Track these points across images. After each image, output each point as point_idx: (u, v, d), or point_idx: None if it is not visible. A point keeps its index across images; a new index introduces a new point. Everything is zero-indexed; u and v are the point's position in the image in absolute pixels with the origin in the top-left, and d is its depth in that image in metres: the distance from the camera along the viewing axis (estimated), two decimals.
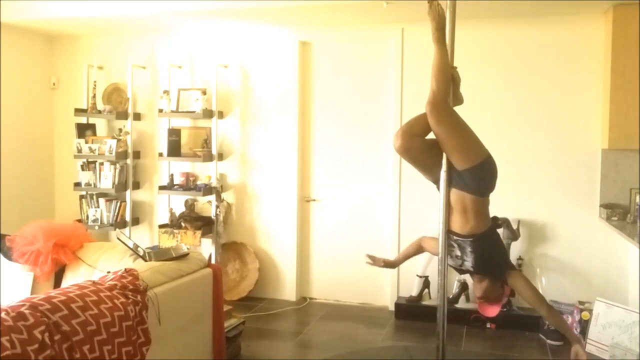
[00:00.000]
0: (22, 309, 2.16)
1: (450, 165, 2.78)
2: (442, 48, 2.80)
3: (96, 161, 5.24)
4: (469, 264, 2.88)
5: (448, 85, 2.79)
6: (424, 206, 4.76)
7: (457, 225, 2.85)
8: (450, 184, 2.81)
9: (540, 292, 4.37)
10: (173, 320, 2.88)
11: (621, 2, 4.04)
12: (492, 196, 4.77)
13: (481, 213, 2.83)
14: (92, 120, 5.45)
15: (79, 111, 5.33)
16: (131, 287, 2.62)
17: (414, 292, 4.72)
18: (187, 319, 3.03)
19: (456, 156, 2.75)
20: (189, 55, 5.31)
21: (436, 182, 2.90)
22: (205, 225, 5.06)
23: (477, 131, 4.81)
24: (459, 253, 2.90)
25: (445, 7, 2.81)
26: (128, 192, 5.28)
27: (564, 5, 4.16)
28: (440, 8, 2.82)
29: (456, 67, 2.88)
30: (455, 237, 2.85)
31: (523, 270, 4.56)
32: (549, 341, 4.11)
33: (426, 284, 4.69)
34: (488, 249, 2.86)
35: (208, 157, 5.11)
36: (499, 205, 4.61)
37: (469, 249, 2.85)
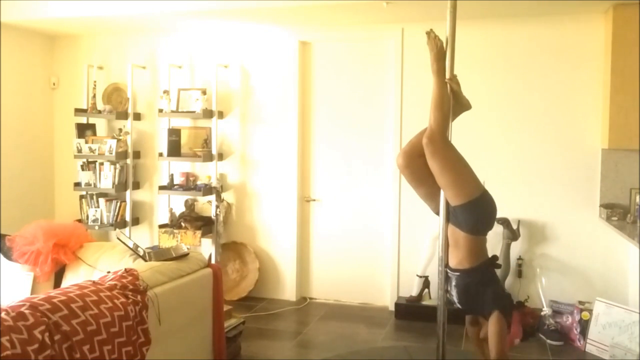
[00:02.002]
0: (22, 309, 2.16)
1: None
2: (440, 80, 2.77)
3: (96, 161, 5.24)
4: (454, 297, 2.86)
5: (447, 119, 2.76)
6: (423, 206, 4.74)
7: (450, 259, 2.85)
8: (448, 216, 2.81)
9: (541, 292, 4.41)
10: (173, 320, 2.88)
11: (621, 2, 4.04)
12: (493, 196, 4.77)
13: (472, 250, 2.79)
14: (92, 120, 5.45)
15: (79, 111, 5.33)
16: (131, 287, 2.62)
17: (414, 292, 4.72)
18: (187, 319, 3.03)
19: (449, 192, 2.74)
20: (189, 55, 5.31)
21: (437, 212, 2.91)
22: (205, 225, 5.06)
23: (477, 131, 4.85)
24: (447, 286, 2.89)
25: (446, 7, 2.80)
26: (128, 192, 5.28)
27: (564, 5, 4.16)
28: (439, 39, 2.79)
29: (456, 75, 2.83)
30: (447, 270, 2.85)
31: (523, 270, 4.56)
32: (549, 341, 4.11)
33: (426, 284, 4.69)
34: (473, 287, 2.79)
35: (208, 157, 5.11)
36: (499, 205, 4.60)
37: (453, 283, 2.84)
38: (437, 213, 2.92)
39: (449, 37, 2.80)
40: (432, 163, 2.74)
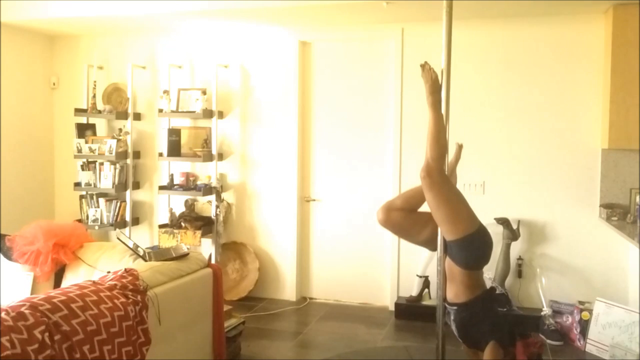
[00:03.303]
0: (22, 309, 2.16)
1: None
2: (436, 113, 2.73)
3: (96, 161, 5.24)
4: (454, 331, 2.86)
5: (443, 152, 2.74)
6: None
7: (447, 292, 2.85)
8: (445, 250, 2.81)
9: (541, 292, 4.41)
10: (173, 320, 2.89)
11: (621, 2, 4.04)
12: (493, 196, 4.79)
13: (467, 284, 2.78)
14: (92, 120, 5.45)
15: (79, 111, 5.33)
16: (131, 287, 2.62)
17: (414, 292, 4.72)
18: (187, 319, 3.04)
19: (444, 226, 2.74)
20: (189, 55, 5.31)
21: (420, 245, 3.01)
22: (205, 225, 5.06)
23: (477, 131, 4.84)
24: (447, 320, 2.90)
25: (442, 7, 2.79)
26: (128, 192, 5.28)
27: (564, 5, 4.16)
28: (434, 71, 2.76)
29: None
30: (445, 304, 2.86)
31: (523, 270, 4.56)
32: (549, 341, 4.11)
33: (426, 284, 4.69)
34: (471, 320, 2.79)
35: (208, 157, 5.11)
36: (499, 204, 4.63)
37: (452, 317, 2.84)
38: (420, 245, 3.03)
39: (445, 37, 2.79)
40: (428, 197, 2.74)
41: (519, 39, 4.56)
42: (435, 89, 2.75)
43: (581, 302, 4.23)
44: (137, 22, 4.96)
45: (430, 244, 2.97)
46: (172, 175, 5.24)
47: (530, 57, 4.54)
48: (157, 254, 3.18)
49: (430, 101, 2.74)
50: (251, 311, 4.79)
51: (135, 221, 5.40)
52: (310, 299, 5.18)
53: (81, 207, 5.36)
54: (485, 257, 2.82)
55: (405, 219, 2.95)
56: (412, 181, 4.73)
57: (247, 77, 5.19)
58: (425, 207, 2.86)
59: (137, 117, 5.37)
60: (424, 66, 2.77)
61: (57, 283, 3.27)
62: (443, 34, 2.79)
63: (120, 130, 5.29)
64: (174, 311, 2.90)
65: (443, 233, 2.77)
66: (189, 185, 5.20)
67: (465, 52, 4.59)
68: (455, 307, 2.81)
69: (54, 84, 5.67)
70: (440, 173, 2.72)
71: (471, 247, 2.72)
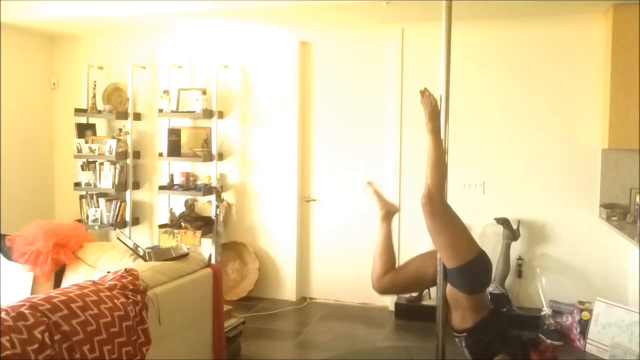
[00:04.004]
0: (22, 309, 2.16)
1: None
2: (436, 139, 2.72)
3: (96, 161, 5.24)
4: (468, 357, 2.84)
5: (444, 178, 2.73)
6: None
7: (453, 321, 2.83)
8: (445, 278, 2.81)
9: (541, 292, 4.41)
10: (173, 320, 2.88)
11: (621, 2, 4.04)
12: (493, 196, 4.79)
13: (473, 308, 2.78)
14: (92, 120, 5.45)
15: (79, 111, 5.33)
16: (131, 287, 2.62)
17: (414, 292, 4.72)
18: (187, 319, 3.03)
19: (445, 254, 2.72)
20: (189, 55, 5.31)
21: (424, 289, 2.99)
22: (205, 225, 5.06)
23: (478, 132, 4.84)
24: (460, 348, 2.89)
25: (442, 7, 2.79)
26: (128, 192, 5.28)
27: (564, 5, 4.16)
28: (433, 97, 2.76)
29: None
30: (454, 334, 2.84)
31: (523, 270, 4.56)
32: (549, 341, 4.10)
33: None
34: (481, 341, 2.77)
35: (208, 157, 5.11)
36: (499, 204, 4.63)
37: (463, 343, 2.82)
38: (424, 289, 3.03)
39: (445, 37, 2.79)
40: (429, 224, 2.73)
41: (519, 39, 4.56)
42: (435, 115, 2.74)
43: (581, 302, 4.23)
44: (137, 22, 4.96)
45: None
46: (172, 175, 5.24)
47: (530, 57, 4.54)
48: (157, 254, 3.18)
49: (429, 127, 2.73)
50: (251, 311, 4.79)
51: (135, 221, 5.40)
52: (310, 299, 5.18)
53: (81, 207, 5.36)
54: (487, 281, 2.83)
55: (397, 278, 3.02)
56: (412, 181, 4.74)
57: (247, 77, 5.19)
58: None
59: (137, 117, 5.37)
60: (424, 92, 2.77)
61: (57, 283, 3.27)
62: (443, 34, 2.79)
63: (120, 130, 5.29)
64: (174, 311, 2.90)
65: (444, 260, 2.75)
66: (189, 185, 5.20)
67: (465, 52, 4.59)
68: (464, 334, 2.78)
69: (54, 84, 5.67)
70: (441, 200, 2.71)
71: (473, 272, 2.72)
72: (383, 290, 3.11)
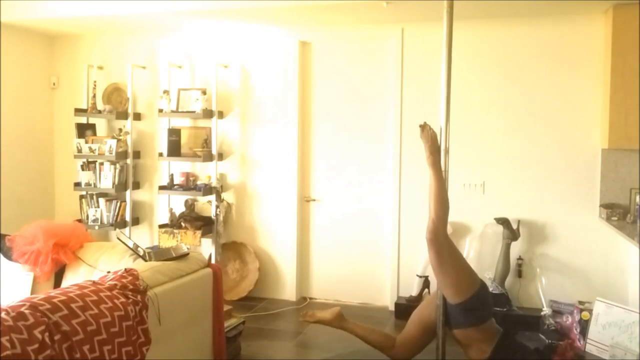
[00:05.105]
0: (22, 309, 2.16)
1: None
2: (437, 172, 2.73)
3: (96, 161, 5.24)
4: None
5: (446, 211, 2.74)
6: (424, 206, 4.75)
7: (472, 357, 2.81)
8: (447, 319, 2.80)
9: (541, 292, 4.42)
10: (173, 320, 2.89)
11: (621, 2, 4.04)
12: (493, 196, 4.79)
13: (487, 336, 2.78)
14: (92, 120, 5.45)
15: (79, 111, 5.33)
16: (131, 287, 2.62)
17: (414, 292, 4.72)
18: (187, 319, 3.03)
19: (450, 290, 2.72)
20: (189, 55, 5.31)
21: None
22: (205, 225, 5.06)
23: (477, 131, 4.83)
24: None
25: (442, 7, 2.80)
26: (128, 192, 5.28)
27: (564, 5, 4.16)
28: (433, 131, 2.75)
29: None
30: None
31: (523, 270, 4.56)
32: (548, 341, 4.10)
33: (426, 284, 4.69)
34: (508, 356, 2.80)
35: (208, 157, 5.11)
36: (499, 204, 4.63)
37: None
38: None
39: (446, 37, 2.79)
40: (435, 261, 2.73)
41: (519, 39, 4.56)
42: (435, 149, 2.74)
43: (581, 302, 4.22)
44: (137, 22, 4.96)
45: None
46: (172, 175, 5.24)
47: (530, 57, 4.54)
48: (157, 254, 3.18)
49: (430, 161, 2.73)
50: (251, 311, 4.79)
51: (135, 221, 5.40)
52: (310, 299, 5.17)
53: (81, 207, 5.36)
54: (491, 308, 2.83)
55: (406, 342, 3.10)
56: (412, 181, 4.74)
57: (247, 77, 5.19)
58: None
59: (137, 117, 5.37)
60: (424, 127, 2.76)
61: (57, 283, 3.27)
62: (443, 34, 2.79)
63: (120, 130, 5.29)
64: (174, 311, 2.90)
65: (447, 297, 2.74)
66: (189, 185, 5.20)
67: (465, 52, 4.59)
68: None
69: (54, 84, 5.67)
70: (445, 234, 2.72)
71: (478, 304, 2.72)
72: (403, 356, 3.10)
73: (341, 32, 4.93)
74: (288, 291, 5.15)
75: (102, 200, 5.29)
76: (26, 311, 2.15)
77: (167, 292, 2.84)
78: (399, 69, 4.80)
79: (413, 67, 4.77)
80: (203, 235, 5.01)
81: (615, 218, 4.17)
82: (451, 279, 2.70)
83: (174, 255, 3.15)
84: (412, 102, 4.77)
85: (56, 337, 2.17)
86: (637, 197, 4.23)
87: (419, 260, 4.71)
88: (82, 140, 5.23)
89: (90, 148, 5.18)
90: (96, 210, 5.29)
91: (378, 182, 4.97)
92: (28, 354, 2.05)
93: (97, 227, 5.26)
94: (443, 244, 2.70)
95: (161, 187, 5.20)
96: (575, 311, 4.14)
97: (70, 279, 3.20)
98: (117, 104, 5.42)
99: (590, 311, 4.04)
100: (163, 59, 5.34)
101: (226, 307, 3.61)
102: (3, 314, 2.10)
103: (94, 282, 2.61)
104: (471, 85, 4.66)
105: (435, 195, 2.70)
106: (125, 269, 2.76)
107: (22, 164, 5.38)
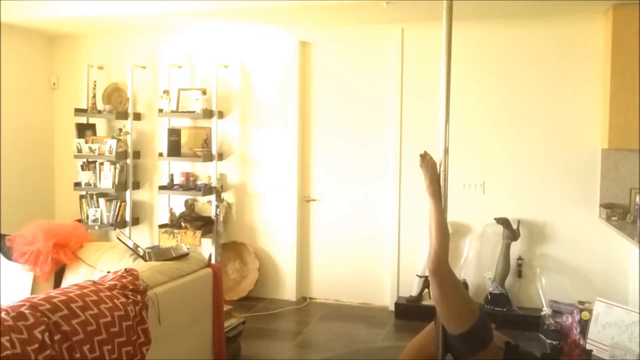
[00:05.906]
0: (22, 309, 2.16)
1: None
2: (437, 202, 2.69)
3: (96, 161, 5.24)
4: None
5: (448, 241, 2.70)
6: (424, 206, 4.75)
7: None
8: (448, 350, 2.78)
9: (541, 292, 4.42)
10: (173, 320, 2.89)
11: (621, 2, 4.04)
12: (493, 196, 4.78)
13: (496, 352, 2.72)
14: (92, 120, 5.45)
15: (79, 111, 5.33)
16: (131, 287, 2.62)
17: (414, 292, 4.72)
18: (187, 319, 3.04)
19: (451, 322, 2.69)
20: (189, 55, 5.31)
21: None
22: (205, 225, 5.06)
23: (477, 131, 4.83)
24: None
25: (442, 7, 2.79)
26: (128, 192, 5.28)
27: (564, 5, 4.16)
28: (433, 160, 2.74)
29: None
30: None
31: (523, 270, 4.56)
32: (548, 341, 4.11)
33: (426, 284, 4.69)
34: None
35: (208, 157, 5.11)
36: (499, 204, 4.63)
37: None
38: None
39: (445, 37, 2.78)
40: (437, 293, 2.69)
41: (519, 39, 4.56)
42: (435, 179, 2.71)
43: (581, 302, 4.22)
44: (137, 22, 4.96)
45: None
46: (172, 175, 5.24)
47: (530, 57, 4.54)
48: (157, 254, 3.18)
49: (430, 191, 2.70)
50: (251, 311, 4.79)
51: (135, 221, 5.40)
52: (310, 299, 5.18)
53: (81, 207, 5.36)
54: (490, 336, 2.82)
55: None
56: (412, 181, 4.74)
57: (247, 77, 5.19)
58: None
59: (137, 117, 5.37)
60: (424, 157, 2.74)
61: (57, 283, 3.27)
62: (443, 34, 2.78)
63: (120, 130, 5.29)
64: (174, 311, 2.90)
65: (449, 329, 2.72)
66: (189, 185, 5.20)
67: (466, 52, 4.59)
68: None
69: (54, 84, 5.67)
70: (447, 265, 2.70)
71: (479, 333, 2.70)
72: None
73: (341, 32, 4.93)
74: (288, 291, 5.15)
75: (102, 200, 5.29)
76: (26, 311, 2.15)
77: (167, 292, 2.84)
78: (399, 69, 4.80)
79: (413, 67, 4.77)
80: (203, 235, 5.01)
81: (615, 218, 4.17)
82: (453, 310, 2.68)
83: (174, 255, 3.15)
84: (412, 101, 4.77)
85: (56, 337, 2.17)
86: (637, 197, 4.23)
87: (419, 260, 4.71)
88: (82, 140, 5.23)
89: (90, 148, 5.18)
90: (96, 210, 5.29)
91: (378, 182, 4.97)
92: (28, 354, 2.05)
93: (97, 227, 5.26)
94: (446, 275, 2.68)
95: (161, 187, 5.20)
96: (575, 311, 4.14)
97: (70, 279, 3.20)
98: (117, 104, 5.42)
99: (590, 311, 4.04)
100: (163, 59, 5.34)
101: (226, 307, 3.61)
102: (3, 314, 2.10)
103: (94, 282, 2.61)
104: (471, 85, 4.66)
105: (437, 225, 2.68)
106: (125, 269, 2.76)
107: (22, 164, 5.38)
